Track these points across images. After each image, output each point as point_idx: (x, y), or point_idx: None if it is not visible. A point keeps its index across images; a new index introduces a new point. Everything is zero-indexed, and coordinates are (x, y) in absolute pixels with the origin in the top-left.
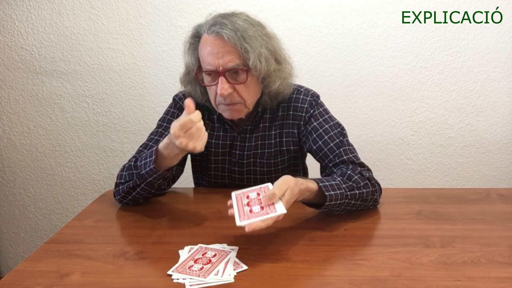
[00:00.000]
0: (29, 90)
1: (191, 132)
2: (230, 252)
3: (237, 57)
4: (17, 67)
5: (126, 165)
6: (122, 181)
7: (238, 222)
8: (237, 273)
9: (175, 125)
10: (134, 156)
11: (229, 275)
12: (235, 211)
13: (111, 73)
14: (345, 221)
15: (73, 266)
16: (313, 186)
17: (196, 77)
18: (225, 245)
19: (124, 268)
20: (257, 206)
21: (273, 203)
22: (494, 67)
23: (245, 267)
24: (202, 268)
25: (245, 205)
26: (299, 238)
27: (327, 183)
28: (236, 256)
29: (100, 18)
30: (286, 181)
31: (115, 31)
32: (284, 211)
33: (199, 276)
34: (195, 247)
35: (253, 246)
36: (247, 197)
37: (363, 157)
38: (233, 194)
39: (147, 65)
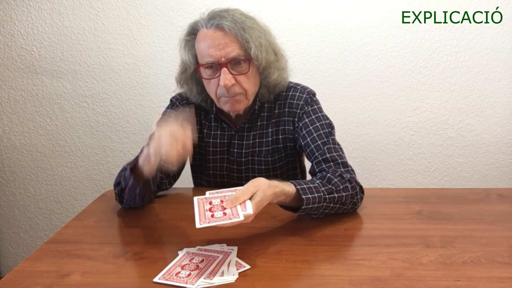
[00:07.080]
0: (29, 90)
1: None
2: (230, 253)
3: (238, 47)
4: (17, 67)
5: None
6: (116, 182)
7: (198, 225)
8: (239, 273)
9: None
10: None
11: (233, 275)
12: (195, 214)
13: (111, 73)
14: (345, 221)
15: (73, 266)
16: (289, 189)
17: (197, 70)
18: (224, 245)
19: (124, 268)
20: (219, 212)
21: (244, 204)
22: (494, 67)
23: (247, 266)
24: (189, 274)
25: (207, 210)
26: (299, 238)
27: (305, 186)
28: (236, 256)
29: (100, 18)
30: (257, 183)
31: (115, 31)
32: (251, 212)
33: (186, 283)
34: (192, 249)
35: (253, 246)
36: (210, 203)
37: (363, 157)
38: (195, 198)
39: (147, 65)
